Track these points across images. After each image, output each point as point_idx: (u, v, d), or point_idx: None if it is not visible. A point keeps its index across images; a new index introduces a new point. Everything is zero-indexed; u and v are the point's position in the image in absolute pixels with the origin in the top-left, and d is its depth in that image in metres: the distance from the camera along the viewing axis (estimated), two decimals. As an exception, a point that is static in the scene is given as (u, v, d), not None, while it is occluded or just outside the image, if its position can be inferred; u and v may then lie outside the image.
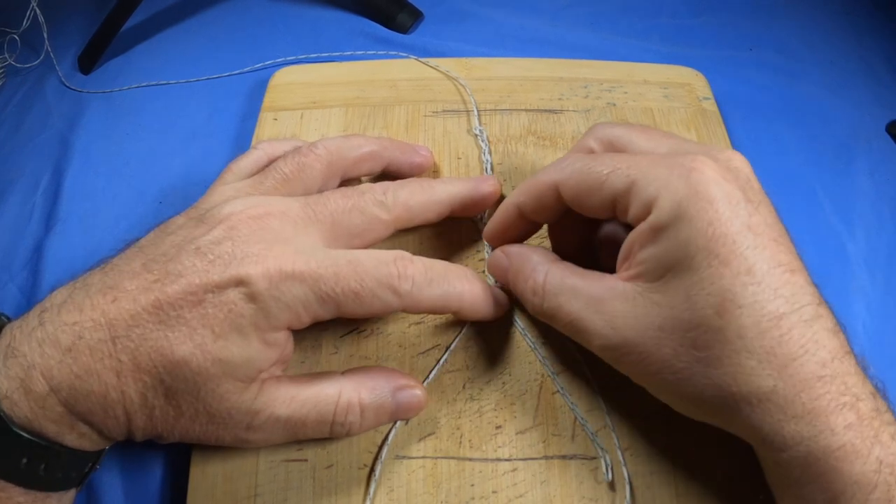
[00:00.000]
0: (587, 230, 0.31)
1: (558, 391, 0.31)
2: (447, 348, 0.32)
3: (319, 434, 0.27)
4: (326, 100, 0.41)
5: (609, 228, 0.31)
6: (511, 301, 0.32)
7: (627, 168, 0.25)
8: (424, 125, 0.39)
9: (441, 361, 0.31)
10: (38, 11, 0.46)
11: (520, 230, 0.31)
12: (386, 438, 0.29)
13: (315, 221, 0.27)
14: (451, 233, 0.35)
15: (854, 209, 0.40)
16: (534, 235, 0.32)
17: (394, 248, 0.28)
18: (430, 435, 0.30)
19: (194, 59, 0.48)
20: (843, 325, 0.24)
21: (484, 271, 0.34)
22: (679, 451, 0.29)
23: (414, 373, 0.31)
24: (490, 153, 0.38)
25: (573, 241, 0.31)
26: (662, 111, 0.40)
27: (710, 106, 0.41)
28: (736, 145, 0.40)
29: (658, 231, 0.23)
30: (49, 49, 0.47)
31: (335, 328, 0.32)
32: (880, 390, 0.23)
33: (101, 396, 0.24)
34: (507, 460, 0.29)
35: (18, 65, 0.48)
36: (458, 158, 0.38)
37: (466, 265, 0.34)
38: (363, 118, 0.40)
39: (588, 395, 0.30)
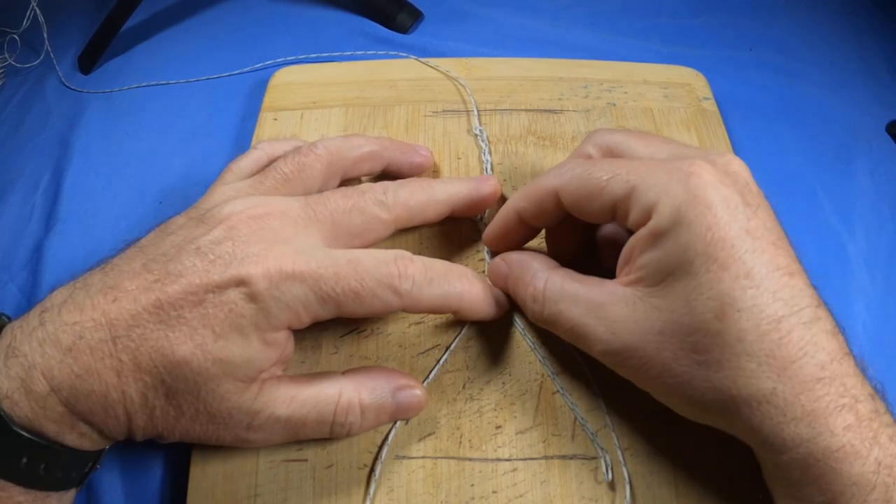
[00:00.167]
0: (585, 234, 0.31)
1: (558, 391, 0.31)
2: (447, 348, 0.32)
3: (320, 434, 0.27)
4: (326, 100, 0.41)
5: (608, 229, 0.31)
6: (511, 301, 0.32)
7: (627, 174, 0.25)
8: (424, 125, 0.39)
9: (441, 361, 0.31)
10: (38, 11, 0.46)
11: (519, 235, 0.31)
12: (386, 438, 0.29)
13: (315, 221, 0.27)
14: (451, 233, 0.35)
15: (854, 209, 0.40)
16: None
17: (394, 248, 0.28)
18: (430, 435, 0.30)
19: (194, 59, 0.48)
20: (842, 327, 0.24)
21: (484, 271, 0.34)
22: (679, 451, 0.29)
23: (414, 373, 0.31)
24: (490, 153, 0.38)
25: (571, 244, 0.31)
26: (662, 111, 0.40)
27: (710, 106, 0.41)
28: (736, 145, 0.40)
29: (658, 236, 0.24)
30: (49, 49, 0.47)
31: (335, 328, 0.32)
32: (879, 392, 0.23)
33: (102, 396, 0.24)
34: (507, 460, 0.29)
35: (18, 65, 0.48)
36: (458, 158, 0.38)
37: (466, 265, 0.34)
38: (363, 118, 0.40)
39: (588, 395, 0.30)
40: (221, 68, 0.46)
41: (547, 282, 0.28)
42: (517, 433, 0.30)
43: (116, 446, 0.27)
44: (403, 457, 0.29)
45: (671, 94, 0.41)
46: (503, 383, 0.31)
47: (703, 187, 0.23)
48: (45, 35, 0.47)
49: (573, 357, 0.31)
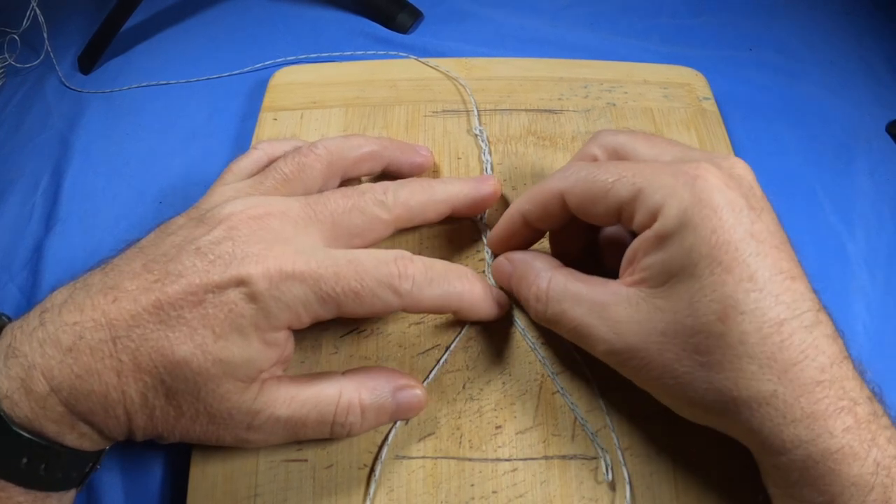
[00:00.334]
0: (588, 235, 0.31)
1: (558, 391, 0.31)
2: (447, 348, 0.32)
3: (320, 434, 0.27)
4: (326, 100, 0.41)
5: (611, 230, 0.31)
6: (511, 301, 0.32)
7: (633, 176, 0.25)
8: (424, 125, 0.39)
9: (441, 361, 0.31)
10: (38, 11, 0.46)
11: (524, 238, 0.31)
12: (386, 438, 0.29)
13: (315, 221, 0.27)
14: (451, 233, 0.35)
15: (854, 209, 0.40)
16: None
17: (394, 248, 0.28)
18: (430, 435, 0.30)
19: (194, 59, 0.48)
20: (841, 330, 0.24)
21: (484, 271, 0.34)
22: (679, 451, 0.29)
23: (414, 373, 0.31)
24: (490, 153, 0.38)
25: (575, 245, 0.31)
26: (662, 111, 0.40)
27: (710, 106, 0.41)
28: (736, 145, 0.40)
29: (663, 238, 0.24)
30: (49, 49, 0.47)
31: (335, 328, 0.32)
32: (877, 394, 0.24)
33: (102, 396, 0.24)
34: (507, 460, 0.29)
35: (18, 65, 0.48)
36: (458, 158, 0.38)
37: (466, 265, 0.34)
38: (363, 118, 0.40)
39: (588, 396, 0.30)
40: (221, 68, 0.46)
41: (550, 281, 0.28)
42: (517, 433, 0.30)
43: (116, 447, 0.27)
44: (403, 457, 0.29)
45: (671, 94, 0.41)
46: (503, 383, 0.31)
47: (709, 190, 0.23)
48: (45, 35, 0.47)
49: (573, 357, 0.31)
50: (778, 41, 0.49)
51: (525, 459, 0.29)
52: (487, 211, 0.35)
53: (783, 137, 0.43)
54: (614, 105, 0.40)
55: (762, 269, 0.22)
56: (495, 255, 0.33)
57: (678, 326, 0.23)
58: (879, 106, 0.45)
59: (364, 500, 0.28)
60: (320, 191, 0.31)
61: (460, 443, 0.30)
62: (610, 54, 0.46)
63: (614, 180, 0.25)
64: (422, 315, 0.33)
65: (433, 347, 0.32)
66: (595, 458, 0.29)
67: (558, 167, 0.37)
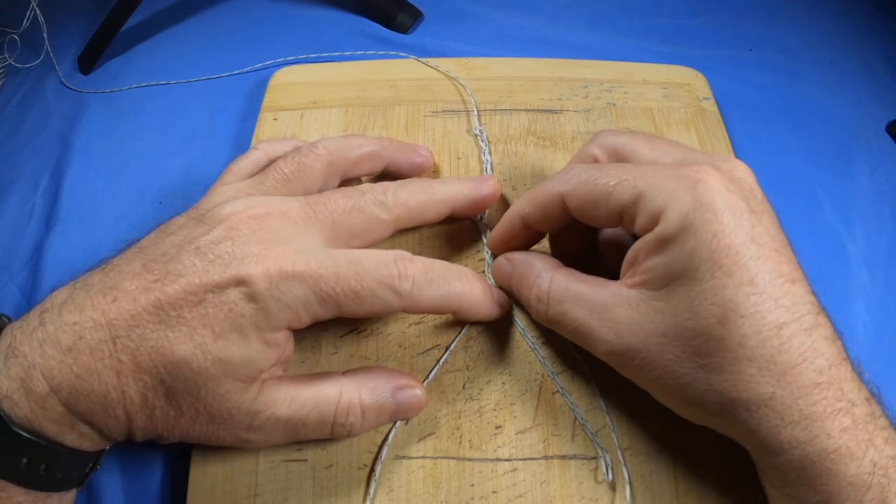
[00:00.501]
0: (588, 236, 0.31)
1: (558, 391, 0.31)
2: (447, 348, 0.32)
3: (320, 435, 0.27)
4: (326, 100, 0.41)
5: (610, 231, 0.31)
6: (511, 301, 0.32)
7: (634, 179, 0.25)
8: (424, 125, 0.39)
9: (441, 361, 0.31)
10: (38, 11, 0.46)
11: (524, 239, 0.31)
12: (386, 438, 0.29)
13: (315, 221, 0.27)
14: (451, 233, 0.35)
15: (854, 209, 0.40)
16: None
17: (394, 248, 0.28)
18: (430, 435, 0.30)
19: (194, 59, 0.48)
20: (840, 331, 0.24)
21: (484, 271, 0.34)
22: (679, 451, 0.29)
23: (414, 373, 0.31)
24: (490, 153, 0.38)
25: (575, 247, 0.31)
26: (662, 111, 0.40)
27: (710, 106, 0.41)
28: (736, 145, 0.40)
29: (664, 242, 0.24)
30: (49, 49, 0.47)
31: (335, 328, 0.32)
32: (875, 395, 0.24)
33: (102, 396, 0.24)
34: (506, 460, 0.29)
35: (18, 65, 0.48)
36: (458, 158, 0.38)
37: (466, 265, 0.34)
38: (363, 118, 0.40)
39: (588, 395, 0.30)
40: (221, 68, 0.46)
41: (551, 282, 0.28)
42: (517, 433, 0.30)
43: (116, 447, 0.27)
44: (403, 457, 0.29)
45: (671, 94, 0.41)
46: (503, 383, 0.31)
47: (710, 194, 0.23)
48: (45, 35, 0.47)
49: (573, 357, 0.31)
50: (778, 41, 0.49)
51: (525, 459, 0.29)
52: (487, 211, 0.35)
53: (783, 137, 0.43)
54: (614, 105, 0.40)
55: (762, 272, 0.23)
56: (495, 255, 0.33)
57: (678, 329, 0.23)
58: (879, 106, 0.45)
59: (364, 500, 0.28)
60: (320, 191, 0.31)
61: (460, 443, 0.30)
62: (610, 54, 0.46)
63: (615, 183, 0.25)
64: (422, 315, 0.33)
65: (433, 347, 0.32)
66: (595, 458, 0.29)
67: (558, 167, 0.37)
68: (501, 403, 0.30)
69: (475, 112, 0.40)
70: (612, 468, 0.29)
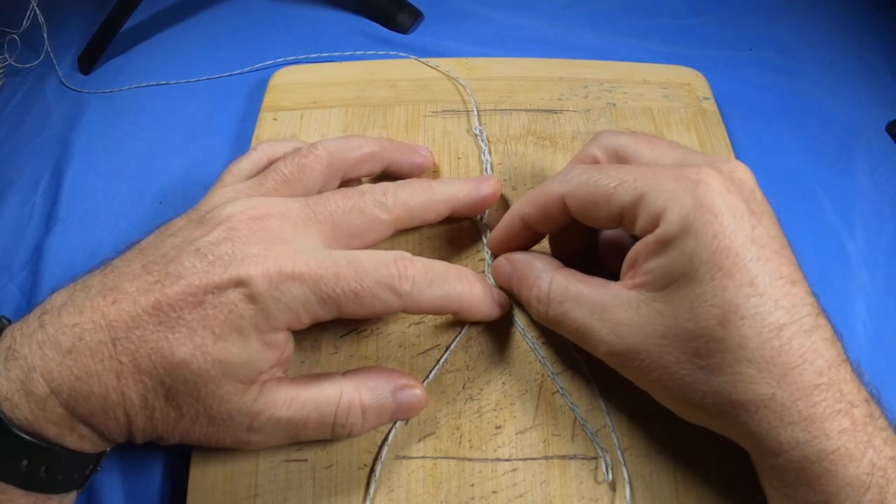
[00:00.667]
0: (589, 237, 0.31)
1: (558, 391, 0.31)
2: (447, 348, 0.32)
3: (320, 436, 0.27)
4: (326, 100, 0.41)
5: (610, 232, 0.31)
6: (511, 301, 0.32)
7: (635, 181, 0.25)
8: (424, 125, 0.39)
9: (441, 361, 0.31)
10: (38, 11, 0.46)
11: (524, 240, 0.31)
12: (386, 438, 0.29)
13: (315, 222, 0.27)
14: (451, 233, 0.35)
15: (854, 209, 0.40)
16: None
17: (394, 248, 0.28)
18: (429, 435, 0.30)
19: (194, 59, 0.48)
20: (840, 332, 0.24)
21: (484, 271, 0.34)
22: (679, 451, 0.29)
23: (414, 373, 0.31)
24: (490, 153, 0.38)
25: (575, 247, 0.31)
26: (662, 111, 0.40)
27: (710, 106, 0.41)
28: (736, 145, 0.40)
29: (665, 243, 0.24)
30: (49, 49, 0.47)
31: (335, 328, 0.32)
32: (874, 396, 0.24)
33: (102, 398, 0.24)
34: (506, 460, 0.29)
35: (18, 65, 0.48)
36: (458, 158, 0.38)
37: (466, 265, 0.34)
38: (363, 118, 0.40)
39: (588, 396, 0.30)
40: (221, 68, 0.46)
41: (552, 283, 0.28)
42: (517, 433, 0.30)
43: (117, 448, 0.27)
44: (403, 457, 0.29)
45: (671, 94, 0.41)
46: (503, 383, 0.31)
47: (711, 195, 0.23)
48: (45, 35, 0.47)
49: (573, 357, 0.31)
50: (778, 41, 0.49)
51: (525, 459, 0.29)
52: (487, 211, 0.35)
53: (783, 137, 0.43)
54: (614, 105, 0.40)
55: (762, 273, 0.23)
56: (495, 256, 0.33)
57: (679, 330, 0.23)
58: (879, 106, 0.45)
59: (364, 500, 0.28)
60: (320, 192, 0.31)
61: (460, 443, 0.30)
62: (610, 54, 0.46)
63: (616, 185, 0.25)
64: (422, 315, 0.33)
65: (433, 347, 0.32)
66: (595, 458, 0.29)
67: (558, 167, 0.37)
68: (501, 403, 0.30)
69: (475, 112, 0.40)
70: (612, 468, 0.29)
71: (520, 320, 0.32)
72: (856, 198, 0.40)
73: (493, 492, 0.28)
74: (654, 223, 0.24)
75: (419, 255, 0.28)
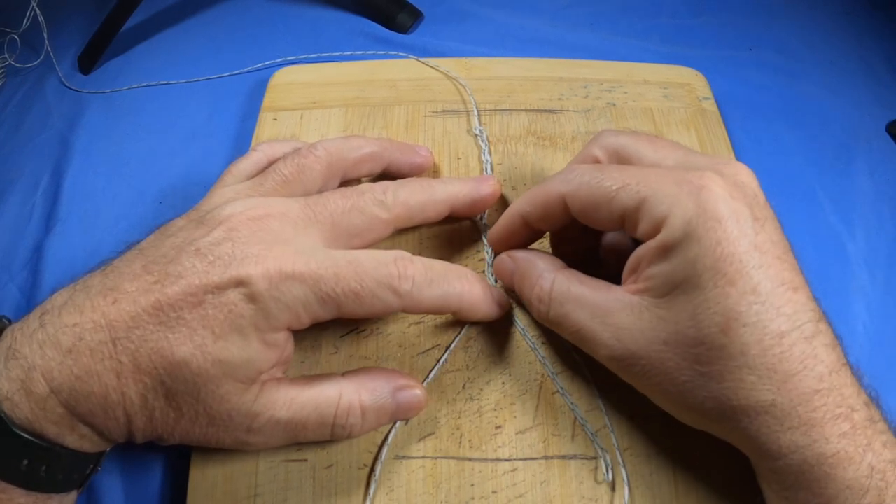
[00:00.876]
0: (589, 237, 0.31)
1: (558, 391, 0.31)
2: (447, 348, 0.32)
3: (320, 436, 0.27)
4: (326, 100, 0.41)
5: (613, 234, 0.31)
6: (511, 301, 0.32)
7: (637, 184, 0.25)
8: (424, 125, 0.39)
9: (441, 361, 0.31)
10: (38, 11, 0.46)
11: (524, 237, 0.31)
12: (386, 438, 0.29)
13: (315, 222, 0.27)
14: (451, 233, 0.35)
15: (854, 209, 0.40)
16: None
17: (394, 248, 0.28)
18: (429, 435, 0.30)
19: (194, 59, 0.48)
20: (840, 334, 0.24)
21: (484, 271, 0.34)
22: (679, 451, 0.29)
23: (414, 373, 0.31)
24: (490, 153, 0.38)
25: (575, 246, 0.31)
26: (662, 111, 0.40)
27: (710, 106, 0.41)
28: (736, 145, 0.40)
29: (667, 249, 0.24)
30: (49, 49, 0.47)
31: (335, 328, 0.32)
32: (874, 399, 0.24)
33: (102, 398, 0.24)
34: (506, 460, 0.29)
35: (18, 65, 0.48)
36: (458, 158, 0.38)
37: (466, 265, 0.34)
38: (363, 118, 0.40)
39: (588, 396, 0.30)
40: (221, 68, 0.46)
41: (554, 283, 0.28)
42: (517, 433, 0.30)
43: (117, 448, 0.27)
44: (403, 457, 0.29)
45: (671, 94, 0.41)
46: (503, 383, 0.31)
47: (714, 201, 0.23)
48: (45, 35, 0.47)
49: (573, 357, 0.31)
50: (778, 41, 0.49)
51: (525, 459, 0.29)
52: (487, 211, 0.35)
53: (783, 137, 0.43)
54: (614, 105, 0.40)
55: (765, 280, 0.23)
56: (495, 253, 0.33)
57: (680, 337, 0.23)
58: (879, 106, 0.45)
59: (364, 500, 0.28)
60: (320, 192, 0.31)
61: (460, 443, 0.30)
62: (610, 54, 0.46)
63: (618, 187, 0.25)
64: (421, 315, 0.33)
65: (433, 347, 0.32)
66: (595, 458, 0.29)
67: (558, 167, 0.37)
68: (501, 403, 0.30)
69: (475, 112, 0.40)
70: (611, 468, 0.29)
71: (520, 320, 0.32)
72: (856, 198, 0.40)
73: (493, 492, 0.28)
74: (657, 228, 0.24)
75: (419, 255, 0.28)
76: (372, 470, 0.29)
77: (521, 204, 0.30)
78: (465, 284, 0.29)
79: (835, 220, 0.39)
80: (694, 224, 0.23)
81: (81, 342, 0.23)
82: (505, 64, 0.43)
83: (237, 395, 0.25)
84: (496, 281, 0.33)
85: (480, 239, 0.35)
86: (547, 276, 0.28)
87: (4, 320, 0.26)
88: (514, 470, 0.29)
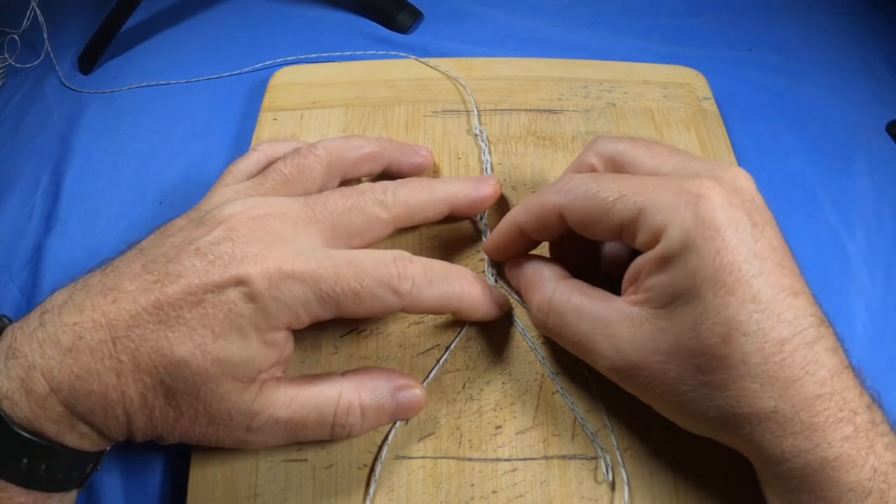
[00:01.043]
0: (588, 246, 0.31)
1: (558, 391, 0.31)
2: (447, 348, 0.32)
3: (320, 436, 0.27)
4: (326, 100, 0.41)
5: (612, 246, 0.31)
6: (511, 301, 0.32)
7: (634, 195, 0.25)
8: (424, 125, 0.39)
9: (441, 361, 0.31)
10: (38, 11, 0.46)
11: (521, 247, 0.31)
12: (386, 438, 0.29)
13: (315, 221, 0.27)
14: (451, 233, 0.35)
15: (854, 209, 0.40)
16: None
17: (394, 248, 0.28)
18: (429, 435, 0.30)
19: (194, 59, 0.48)
20: (841, 336, 0.24)
21: (484, 271, 0.34)
22: (678, 452, 0.29)
23: (414, 373, 0.31)
24: (490, 153, 0.38)
25: (574, 255, 0.31)
26: (662, 111, 0.40)
27: (710, 106, 0.41)
28: (736, 145, 0.40)
29: (666, 260, 0.24)
30: (49, 49, 0.47)
31: (335, 328, 0.32)
32: (876, 401, 0.24)
33: (102, 397, 0.24)
34: (506, 460, 0.29)
35: (18, 65, 0.48)
36: (458, 158, 0.38)
37: (466, 265, 0.34)
38: (363, 118, 0.40)
39: (588, 396, 0.30)
40: (221, 68, 0.46)
41: (554, 292, 0.28)
42: (517, 433, 0.30)
43: (116, 447, 0.27)
44: (403, 457, 0.29)
45: (671, 94, 0.41)
46: (503, 383, 0.31)
47: (712, 210, 0.23)
48: (45, 35, 0.47)
49: (573, 357, 0.31)
50: (778, 41, 0.49)
51: (525, 459, 0.29)
52: (487, 211, 0.35)
53: (783, 138, 0.43)
54: (614, 105, 0.40)
55: (765, 288, 0.22)
56: (493, 261, 0.33)
57: (681, 348, 0.23)
58: (879, 106, 0.45)
59: (364, 500, 0.28)
60: (320, 191, 0.31)
61: (460, 443, 0.30)
62: (610, 54, 0.46)
63: (615, 199, 0.25)
64: (421, 315, 0.33)
65: (433, 347, 0.32)
66: (595, 458, 0.29)
67: (558, 167, 0.37)
68: (501, 403, 0.30)
69: (475, 112, 0.40)
70: (611, 468, 0.29)
71: (520, 320, 0.32)
72: (856, 198, 0.40)
73: (493, 492, 0.28)
74: (655, 239, 0.24)
75: (419, 255, 0.28)
76: (372, 470, 0.29)
77: (517, 214, 0.29)
78: (465, 284, 0.29)
79: (835, 220, 0.39)
80: (692, 234, 0.23)
81: (81, 341, 0.23)
82: (505, 64, 0.43)
83: (237, 395, 0.25)
84: (496, 281, 0.33)
85: (480, 239, 0.35)
86: (549, 284, 0.28)
87: (4, 319, 0.26)
88: (514, 470, 0.29)
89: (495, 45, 0.48)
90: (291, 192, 0.30)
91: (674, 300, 0.24)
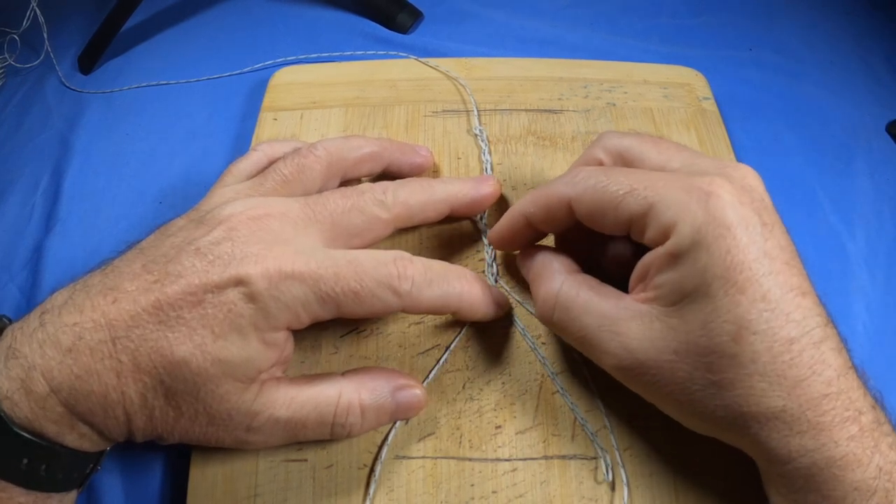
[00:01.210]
0: (594, 239, 0.31)
1: (558, 391, 0.31)
2: (447, 348, 0.32)
3: (320, 436, 0.27)
4: (326, 100, 0.41)
5: (615, 247, 0.31)
6: (511, 301, 0.32)
7: (644, 189, 0.25)
8: (424, 125, 0.39)
9: (441, 361, 0.31)
10: (38, 11, 0.46)
11: (526, 237, 0.31)
12: (386, 438, 0.29)
13: (315, 222, 0.27)
14: (451, 233, 0.35)
15: (854, 209, 0.40)
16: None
17: (394, 248, 0.28)
18: (429, 435, 0.30)
19: (194, 59, 0.48)
20: (843, 336, 0.24)
21: (484, 271, 0.34)
22: (678, 451, 0.29)
23: (414, 373, 0.31)
24: (490, 153, 0.38)
25: (580, 250, 0.31)
26: (662, 111, 0.40)
27: (710, 106, 0.41)
28: (736, 145, 0.40)
29: (676, 257, 0.23)
30: (49, 49, 0.47)
31: (335, 328, 0.32)
32: (879, 401, 0.24)
33: (102, 397, 0.24)
34: (506, 460, 0.29)
35: (18, 65, 0.48)
36: (458, 158, 0.38)
37: (466, 265, 0.34)
38: (363, 118, 0.40)
39: (588, 396, 0.30)
40: (221, 68, 0.46)
41: (562, 285, 0.27)
42: (517, 433, 0.30)
43: (116, 448, 0.27)
44: (403, 457, 0.29)
45: (671, 94, 0.41)
46: (503, 383, 0.31)
47: (723, 208, 0.23)
48: (45, 35, 0.47)
49: (573, 357, 0.31)
50: (778, 41, 0.49)
51: (525, 459, 0.29)
52: (487, 211, 0.35)
53: (783, 138, 0.43)
54: (614, 105, 0.40)
55: (774, 287, 0.22)
56: (496, 251, 0.33)
57: (691, 346, 0.23)
58: (879, 106, 0.45)
59: (364, 500, 0.28)
60: (320, 191, 0.31)
61: (460, 443, 0.30)
62: (610, 54, 0.46)
63: (625, 192, 0.25)
64: (421, 315, 0.33)
65: (433, 347, 0.32)
66: (595, 458, 0.29)
67: (558, 167, 0.37)
68: (501, 403, 0.30)
69: (475, 112, 0.40)
70: (611, 468, 0.29)
71: (520, 320, 0.32)
72: (856, 198, 0.40)
73: (493, 492, 0.28)
74: (665, 235, 0.24)
75: (419, 255, 0.28)
76: (372, 470, 0.29)
77: (524, 204, 0.29)
78: (465, 284, 0.29)
79: (835, 220, 0.39)
80: (703, 232, 0.23)
81: (81, 341, 0.23)
82: (505, 64, 0.43)
83: (237, 395, 0.25)
84: (496, 281, 0.33)
85: (480, 239, 0.35)
86: (557, 277, 0.28)
87: (4, 319, 0.26)
88: (514, 470, 0.29)
89: (495, 45, 0.48)
90: (291, 193, 0.30)
91: (683, 298, 0.23)
